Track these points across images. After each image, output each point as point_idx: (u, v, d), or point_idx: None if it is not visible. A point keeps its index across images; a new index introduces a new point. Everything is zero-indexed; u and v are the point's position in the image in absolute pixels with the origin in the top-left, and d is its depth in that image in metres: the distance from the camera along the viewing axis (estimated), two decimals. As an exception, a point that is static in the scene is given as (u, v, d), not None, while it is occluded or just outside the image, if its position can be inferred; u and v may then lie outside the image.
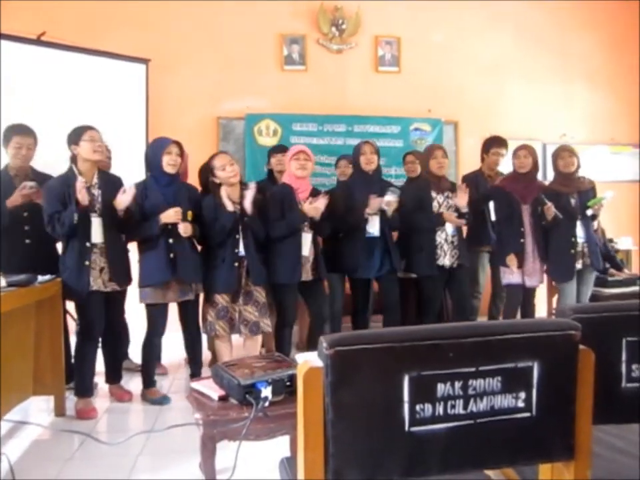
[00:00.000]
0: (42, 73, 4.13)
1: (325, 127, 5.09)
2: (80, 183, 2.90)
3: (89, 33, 4.51)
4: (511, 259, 3.72)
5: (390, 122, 5.18)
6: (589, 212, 3.74)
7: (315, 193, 3.50)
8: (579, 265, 3.75)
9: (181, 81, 4.89)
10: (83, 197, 2.89)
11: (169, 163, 3.15)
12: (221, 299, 3.22)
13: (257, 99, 5.04)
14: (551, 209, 3.66)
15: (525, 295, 3.84)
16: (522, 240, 3.72)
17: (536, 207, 3.75)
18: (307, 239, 3.39)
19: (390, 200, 3.48)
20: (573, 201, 3.77)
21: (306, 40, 5.15)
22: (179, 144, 3.21)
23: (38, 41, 4.17)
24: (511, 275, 3.77)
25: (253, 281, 3.26)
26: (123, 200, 3.00)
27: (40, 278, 2.84)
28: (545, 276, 4.04)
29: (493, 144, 4.24)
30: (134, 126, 4.52)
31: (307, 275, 3.40)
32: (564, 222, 3.71)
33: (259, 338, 3.39)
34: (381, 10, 5.21)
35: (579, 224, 3.75)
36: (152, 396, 3.25)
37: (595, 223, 3.92)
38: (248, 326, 3.25)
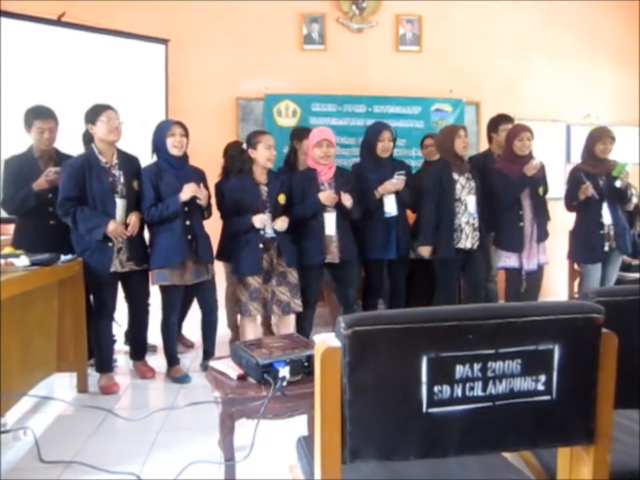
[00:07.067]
0: (62, 53, 4.14)
1: (344, 108, 5.03)
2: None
3: (108, 14, 4.48)
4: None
5: (410, 102, 5.10)
6: (618, 183, 3.66)
7: (339, 173, 3.49)
8: (605, 248, 3.70)
9: (200, 61, 4.85)
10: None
11: (173, 145, 3.16)
12: (253, 281, 3.23)
13: (276, 79, 4.99)
14: (589, 189, 3.62)
15: (530, 279, 3.72)
16: (521, 224, 3.62)
17: (535, 189, 3.66)
18: (329, 218, 3.38)
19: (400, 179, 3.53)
20: (601, 183, 3.72)
21: (326, 19, 5.07)
22: (181, 124, 3.20)
23: (58, 22, 4.18)
24: (507, 259, 3.67)
25: (286, 262, 3.27)
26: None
27: (62, 257, 2.88)
28: (567, 259, 3.98)
29: (501, 121, 4.06)
30: (153, 106, 4.52)
31: (332, 256, 3.39)
32: (592, 203, 3.67)
33: (291, 318, 3.39)
34: (402, -13, 5.10)
35: (605, 206, 3.69)
36: (175, 374, 3.31)
37: (633, 201, 3.83)
38: (281, 306, 3.28)
